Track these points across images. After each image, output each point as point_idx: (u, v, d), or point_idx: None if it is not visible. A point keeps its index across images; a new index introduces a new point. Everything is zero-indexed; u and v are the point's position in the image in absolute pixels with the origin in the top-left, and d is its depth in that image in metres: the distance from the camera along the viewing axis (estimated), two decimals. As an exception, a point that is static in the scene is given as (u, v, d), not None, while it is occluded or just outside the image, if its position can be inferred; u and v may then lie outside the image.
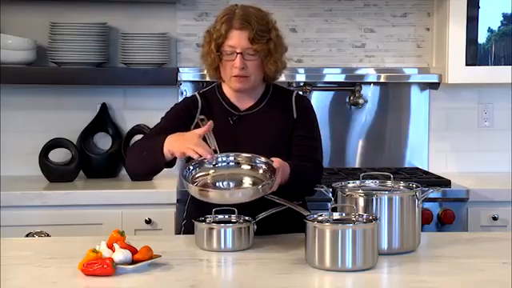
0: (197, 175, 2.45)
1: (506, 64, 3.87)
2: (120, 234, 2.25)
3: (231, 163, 2.48)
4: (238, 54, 2.58)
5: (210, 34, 2.65)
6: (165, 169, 2.57)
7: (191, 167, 2.45)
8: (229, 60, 2.61)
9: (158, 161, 2.48)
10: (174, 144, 2.44)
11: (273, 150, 2.52)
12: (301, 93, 3.55)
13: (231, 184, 2.44)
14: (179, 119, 2.68)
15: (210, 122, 2.48)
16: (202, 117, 2.50)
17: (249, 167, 2.48)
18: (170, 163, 2.53)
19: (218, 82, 2.75)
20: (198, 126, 2.63)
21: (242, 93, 2.69)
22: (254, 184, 2.41)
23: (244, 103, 2.71)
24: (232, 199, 2.37)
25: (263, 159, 2.46)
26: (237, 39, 2.58)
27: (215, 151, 2.46)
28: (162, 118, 2.73)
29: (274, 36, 2.63)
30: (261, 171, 2.45)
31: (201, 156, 2.37)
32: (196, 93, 2.77)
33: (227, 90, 2.72)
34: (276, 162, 2.42)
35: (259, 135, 2.65)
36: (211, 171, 2.46)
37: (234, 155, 2.48)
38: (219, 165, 2.47)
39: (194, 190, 2.36)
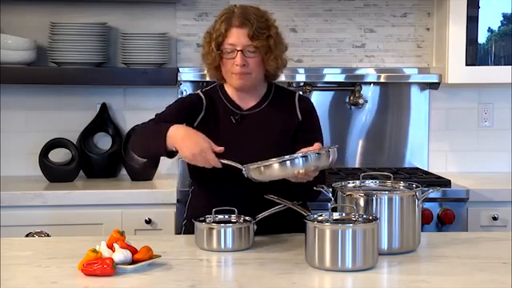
0: None
1: (506, 64, 3.87)
2: (120, 234, 2.24)
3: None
4: (238, 51, 2.58)
5: (209, 34, 2.65)
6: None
7: None
8: (229, 58, 2.60)
9: (160, 151, 2.50)
10: (181, 143, 2.43)
11: (276, 150, 2.51)
12: (301, 93, 3.53)
13: None
14: (183, 112, 2.67)
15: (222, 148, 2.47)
16: None
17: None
18: (172, 153, 2.53)
19: (219, 82, 2.75)
20: (200, 125, 2.63)
21: (244, 92, 2.68)
22: None
23: (246, 103, 2.70)
24: (295, 168, 2.34)
25: (324, 147, 2.45)
26: (236, 37, 2.58)
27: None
28: (166, 107, 2.72)
29: (273, 33, 2.63)
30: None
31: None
32: (199, 91, 2.76)
33: (229, 90, 2.71)
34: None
35: (262, 134, 2.65)
36: None
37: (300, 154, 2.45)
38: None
39: (252, 171, 2.36)
